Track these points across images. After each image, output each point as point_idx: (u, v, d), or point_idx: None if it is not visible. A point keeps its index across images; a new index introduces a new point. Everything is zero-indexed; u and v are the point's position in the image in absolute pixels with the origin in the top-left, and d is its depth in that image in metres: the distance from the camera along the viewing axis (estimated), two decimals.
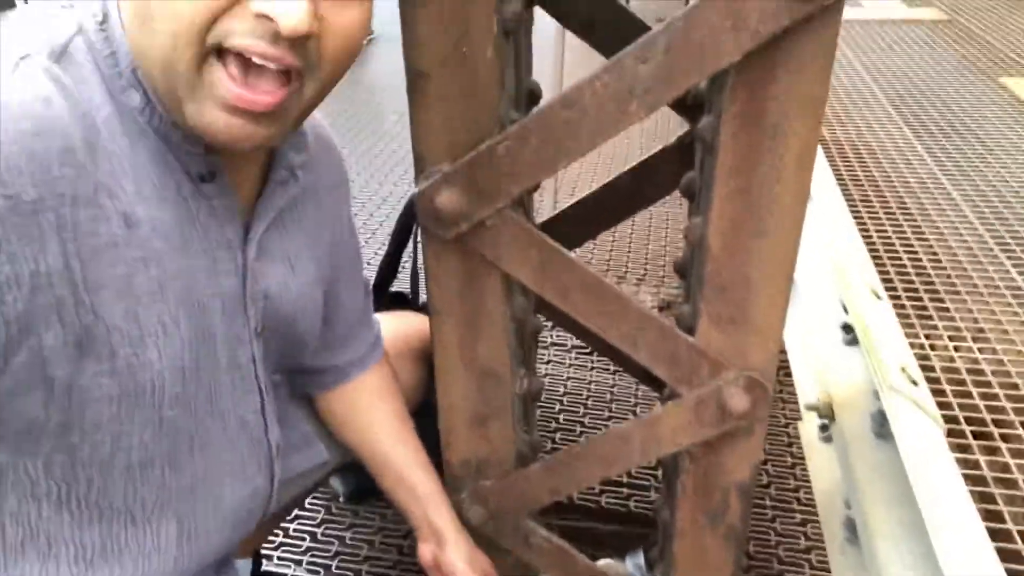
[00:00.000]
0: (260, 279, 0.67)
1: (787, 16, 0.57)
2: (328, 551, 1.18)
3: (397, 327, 0.94)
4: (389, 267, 1.17)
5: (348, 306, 0.84)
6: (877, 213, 1.76)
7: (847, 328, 1.07)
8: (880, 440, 0.89)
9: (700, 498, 0.86)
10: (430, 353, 0.84)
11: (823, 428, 1.15)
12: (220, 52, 0.50)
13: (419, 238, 1.16)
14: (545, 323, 0.79)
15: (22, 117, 0.46)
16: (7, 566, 0.59)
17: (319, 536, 1.20)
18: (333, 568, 1.15)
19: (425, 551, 0.87)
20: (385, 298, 1.15)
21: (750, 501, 0.85)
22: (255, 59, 0.49)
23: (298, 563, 1.15)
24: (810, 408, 1.07)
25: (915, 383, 0.86)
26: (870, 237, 1.57)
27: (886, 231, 1.69)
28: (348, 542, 1.19)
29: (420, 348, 0.98)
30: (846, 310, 1.06)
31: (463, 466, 0.90)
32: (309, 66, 0.52)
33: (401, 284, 1.22)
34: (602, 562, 1.26)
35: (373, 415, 0.88)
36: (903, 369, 0.87)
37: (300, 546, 1.18)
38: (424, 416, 0.92)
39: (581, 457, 0.85)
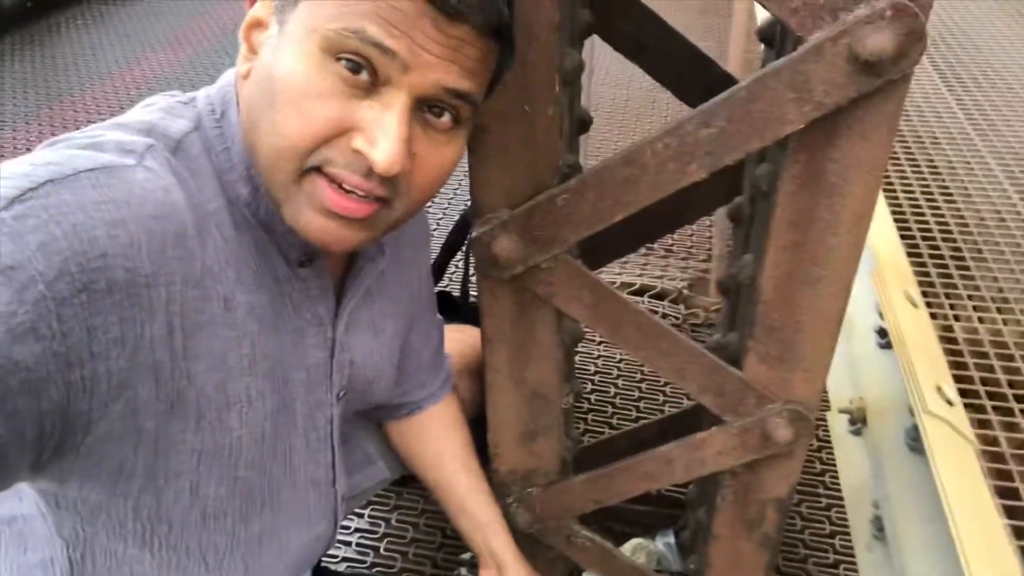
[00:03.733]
0: (347, 350, 0.70)
1: (854, 89, 0.57)
2: (376, 533, 1.24)
3: (453, 344, 0.97)
4: (437, 271, 1.20)
5: (422, 351, 0.87)
6: (905, 174, 1.75)
7: (882, 332, 1.09)
8: (914, 454, 0.92)
9: (738, 509, 0.90)
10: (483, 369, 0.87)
11: (852, 422, 1.18)
12: (317, 169, 0.52)
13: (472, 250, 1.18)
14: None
15: (146, 201, 0.50)
16: None
17: (366, 517, 1.27)
18: (381, 550, 1.22)
19: None
20: None
21: (786, 513, 0.89)
22: (346, 186, 0.51)
23: (347, 544, 1.22)
24: (843, 412, 1.10)
25: (950, 403, 0.88)
26: (899, 208, 1.57)
27: (912, 190, 1.68)
28: (394, 524, 1.26)
29: (476, 365, 1.01)
30: (881, 316, 1.08)
31: (510, 474, 0.95)
32: (398, 195, 0.54)
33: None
34: (633, 541, 1.32)
35: (442, 445, 0.93)
36: (939, 389, 0.89)
37: (348, 527, 1.25)
38: (478, 426, 0.96)
39: (625, 472, 0.89)
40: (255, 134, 0.54)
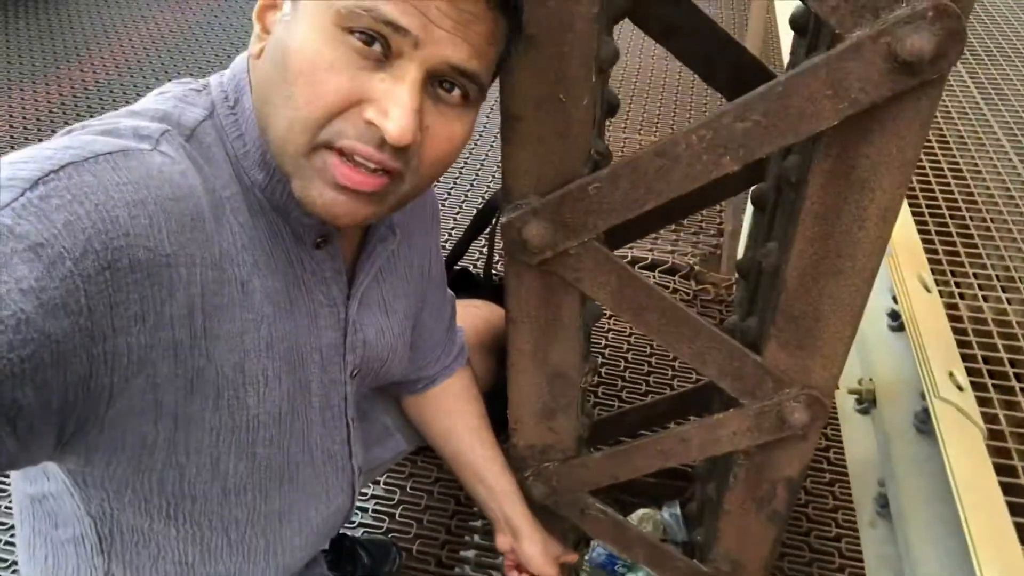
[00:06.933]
0: (359, 330, 0.72)
1: (889, 88, 0.58)
2: (391, 500, 1.28)
3: (468, 319, 0.98)
4: (459, 250, 1.21)
5: (434, 327, 0.88)
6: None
7: (894, 315, 1.11)
8: (921, 436, 0.95)
9: (749, 487, 0.92)
10: (499, 344, 0.89)
11: (859, 401, 1.21)
12: (328, 145, 0.53)
13: (498, 230, 1.19)
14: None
15: (164, 184, 0.51)
16: (124, 562, 0.69)
17: (382, 485, 1.30)
18: (397, 516, 1.25)
19: (503, 542, 0.96)
20: (451, 275, 1.19)
21: (797, 492, 0.92)
22: (358, 158, 0.52)
23: (364, 511, 1.25)
24: (852, 392, 1.12)
25: (961, 388, 0.90)
26: (910, 184, 1.56)
27: (922, 165, 1.68)
28: (409, 491, 1.29)
29: (490, 340, 1.03)
30: (895, 299, 1.09)
31: (528, 449, 0.97)
32: (409, 169, 0.55)
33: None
34: (640, 511, 1.36)
35: (457, 417, 0.95)
36: (951, 375, 0.91)
37: (365, 494, 1.28)
38: (491, 400, 0.98)
39: (641, 450, 0.92)
40: (268, 109, 0.55)
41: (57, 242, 0.44)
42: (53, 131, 2.21)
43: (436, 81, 0.54)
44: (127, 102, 2.64)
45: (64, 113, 2.35)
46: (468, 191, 2.07)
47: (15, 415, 0.43)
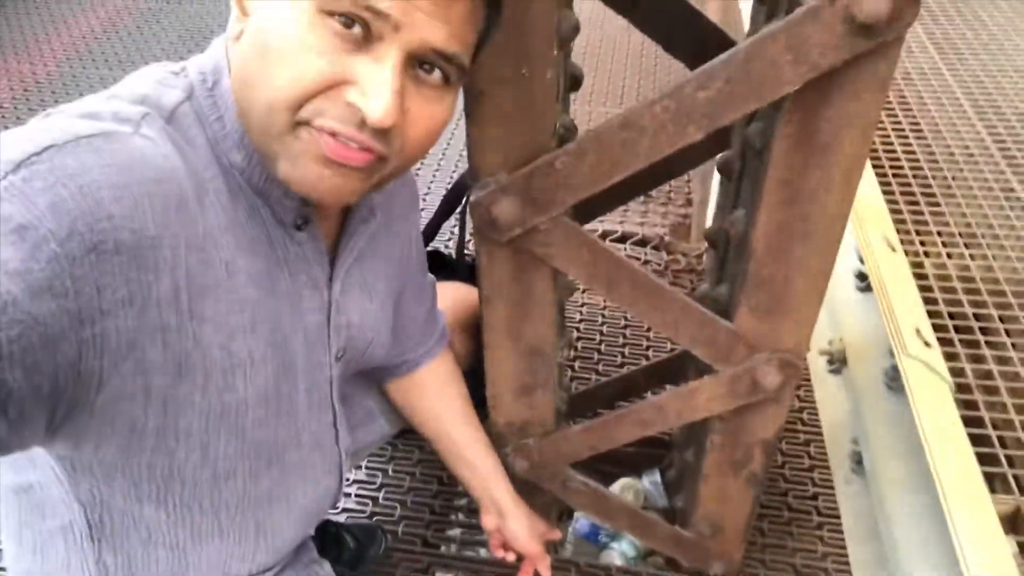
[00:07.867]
0: (343, 311, 0.72)
1: (848, 51, 0.58)
2: (374, 483, 1.28)
3: (446, 301, 0.98)
4: (430, 232, 1.21)
5: (415, 311, 0.88)
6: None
7: (861, 276, 1.12)
8: (892, 392, 0.97)
9: (727, 451, 0.94)
10: (477, 324, 0.89)
11: (831, 362, 1.23)
12: (309, 123, 0.52)
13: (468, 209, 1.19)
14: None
15: (146, 166, 0.51)
16: (115, 548, 0.68)
17: (364, 469, 1.30)
18: (380, 499, 1.25)
19: (488, 521, 0.97)
20: None
21: (773, 453, 0.94)
22: (341, 138, 0.52)
23: (347, 495, 1.25)
24: (823, 353, 1.14)
25: (928, 344, 0.92)
26: (872, 144, 1.58)
27: (883, 126, 1.71)
28: (391, 474, 1.29)
29: (468, 320, 1.03)
30: (861, 260, 1.11)
31: (507, 426, 0.98)
32: (392, 151, 0.55)
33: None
34: (621, 480, 1.38)
35: (440, 399, 0.95)
36: (918, 331, 0.93)
37: (347, 479, 1.28)
38: (471, 379, 0.99)
39: (619, 421, 0.93)
40: (248, 91, 0.55)
41: (42, 224, 0.44)
42: (6, 127, 2.15)
43: (416, 63, 0.54)
44: (81, 94, 2.59)
45: (15, 108, 2.29)
46: (436, 171, 2.06)
47: (6, 398, 0.43)
